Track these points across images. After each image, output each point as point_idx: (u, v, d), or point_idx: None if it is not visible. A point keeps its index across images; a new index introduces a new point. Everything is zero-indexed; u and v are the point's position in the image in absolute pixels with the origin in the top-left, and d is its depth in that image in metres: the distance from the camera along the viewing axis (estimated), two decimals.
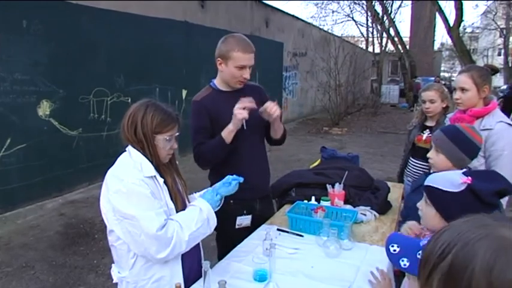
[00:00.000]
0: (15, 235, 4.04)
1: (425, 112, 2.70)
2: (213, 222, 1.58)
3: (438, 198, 1.30)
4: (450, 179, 1.30)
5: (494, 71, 2.26)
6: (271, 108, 1.99)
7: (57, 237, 4.02)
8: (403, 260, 0.97)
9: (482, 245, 0.57)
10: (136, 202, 1.40)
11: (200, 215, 1.54)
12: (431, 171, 1.81)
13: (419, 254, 0.94)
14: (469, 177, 1.27)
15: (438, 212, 1.29)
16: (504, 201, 1.97)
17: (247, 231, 2.08)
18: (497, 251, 0.56)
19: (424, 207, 1.34)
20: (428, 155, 1.77)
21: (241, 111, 1.91)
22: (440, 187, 1.30)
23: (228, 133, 1.98)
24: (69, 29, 5.15)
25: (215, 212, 1.61)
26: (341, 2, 20.82)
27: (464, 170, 1.39)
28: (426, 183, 1.35)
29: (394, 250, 1.00)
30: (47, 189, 5.02)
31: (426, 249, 0.65)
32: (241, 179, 1.71)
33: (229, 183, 1.69)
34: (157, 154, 1.51)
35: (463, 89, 2.14)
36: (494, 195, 1.26)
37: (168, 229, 1.42)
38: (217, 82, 2.14)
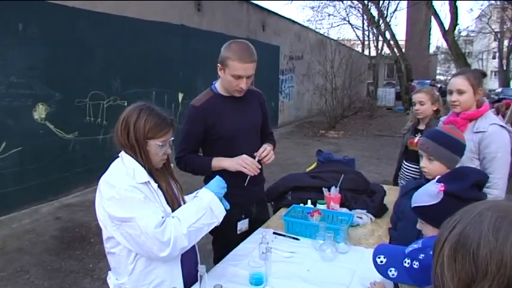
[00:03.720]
0: (10, 239, 4.01)
1: (415, 114, 2.74)
2: (219, 210, 1.53)
3: (427, 215, 1.32)
4: (428, 192, 1.33)
5: (482, 74, 2.28)
6: (266, 156, 2.03)
7: (53, 241, 3.99)
8: (390, 270, 0.97)
9: (487, 214, 0.62)
10: (131, 207, 1.38)
11: (200, 204, 1.50)
12: (426, 177, 1.80)
13: (405, 262, 0.95)
14: (442, 184, 1.29)
15: (435, 227, 1.30)
16: (502, 192, 2.00)
17: (244, 235, 2.09)
18: (502, 216, 0.61)
19: (422, 227, 1.36)
20: (421, 164, 1.74)
21: (245, 165, 1.94)
22: (423, 204, 1.32)
23: (219, 165, 2.01)
24: (65, 32, 5.14)
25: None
26: (337, 5, 20.91)
27: (438, 177, 1.41)
28: (412, 204, 1.37)
29: (381, 261, 1.00)
30: (43, 193, 4.99)
31: (440, 229, 0.69)
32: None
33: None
34: (150, 160, 1.47)
35: (460, 91, 2.15)
36: (471, 189, 1.28)
37: (166, 226, 1.39)
38: (218, 86, 2.10)
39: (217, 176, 1.64)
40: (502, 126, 2.09)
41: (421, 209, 1.33)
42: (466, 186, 1.28)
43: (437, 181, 1.35)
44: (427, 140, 1.74)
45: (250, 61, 1.92)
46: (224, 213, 1.56)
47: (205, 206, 1.49)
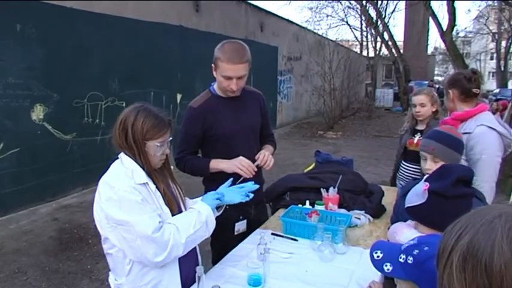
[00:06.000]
0: (8, 240, 4.00)
1: (415, 116, 2.74)
2: (212, 225, 1.55)
3: (417, 215, 1.35)
4: (417, 192, 1.35)
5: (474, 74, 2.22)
6: (265, 162, 2.04)
7: (51, 242, 3.98)
8: (386, 265, 0.98)
9: (499, 221, 0.58)
10: (128, 209, 1.38)
11: (198, 217, 1.51)
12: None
13: (400, 257, 0.96)
14: (426, 183, 1.31)
15: (427, 226, 1.32)
16: (489, 196, 1.96)
17: (242, 236, 2.09)
18: None
19: (417, 226, 1.38)
20: (426, 167, 1.73)
21: (241, 167, 1.94)
22: (413, 204, 1.34)
23: (216, 167, 2.02)
24: (63, 33, 5.13)
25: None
26: (335, 6, 20.94)
27: (426, 176, 1.42)
28: (405, 205, 1.39)
29: (378, 256, 1.02)
30: (41, 194, 4.98)
31: (442, 238, 0.65)
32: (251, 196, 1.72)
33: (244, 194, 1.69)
34: (149, 161, 1.48)
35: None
36: (456, 185, 1.29)
37: (164, 231, 1.40)
38: (216, 87, 2.11)
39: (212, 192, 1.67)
40: (491, 127, 2.04)
41: (411, 209, 1.36)
42: (449, 183, 1.29)
43: (425, 180, 1.36)
44: (430, 142, 1.74)
45: (239, 62, 1.90)
46: (214, 227, 1.58)
47: (203, 220, 1.52)
